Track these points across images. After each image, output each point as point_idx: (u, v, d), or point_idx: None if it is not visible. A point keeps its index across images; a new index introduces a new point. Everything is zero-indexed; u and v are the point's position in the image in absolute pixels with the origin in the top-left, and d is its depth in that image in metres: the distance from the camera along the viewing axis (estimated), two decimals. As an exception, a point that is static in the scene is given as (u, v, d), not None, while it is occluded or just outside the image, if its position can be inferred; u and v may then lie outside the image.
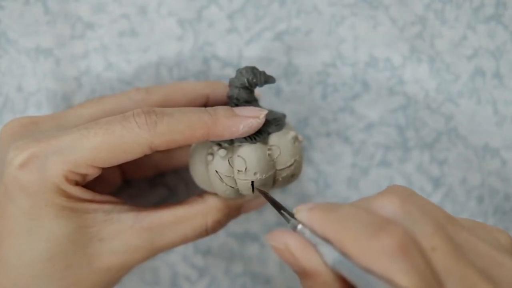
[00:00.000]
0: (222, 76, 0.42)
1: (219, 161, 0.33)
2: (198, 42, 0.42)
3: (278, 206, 0.32)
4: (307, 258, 0.28)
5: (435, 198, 0.43)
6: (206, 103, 0.38)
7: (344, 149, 0.42)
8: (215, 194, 0.35)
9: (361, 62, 0.42)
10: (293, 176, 0.35)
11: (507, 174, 0.42)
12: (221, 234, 0.43)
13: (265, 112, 0.33)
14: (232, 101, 0.35)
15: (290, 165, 0.34)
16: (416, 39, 0.42)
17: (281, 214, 0.31)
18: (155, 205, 0.42)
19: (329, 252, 0.27)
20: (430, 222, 0.26)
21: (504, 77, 0.42)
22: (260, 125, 0.33)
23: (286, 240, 0.28)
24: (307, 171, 0.43)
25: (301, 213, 0.29)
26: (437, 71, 0.42)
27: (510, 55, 0.42)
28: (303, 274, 0.28)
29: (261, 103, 0.42)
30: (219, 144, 0.34)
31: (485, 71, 0.42)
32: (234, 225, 0.43)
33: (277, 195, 0.43)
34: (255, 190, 0.33)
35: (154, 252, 0.34)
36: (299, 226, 0.29)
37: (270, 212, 0.43)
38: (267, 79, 0.35)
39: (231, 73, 0.42)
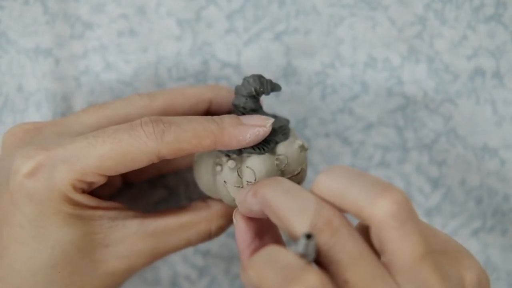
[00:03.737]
0: (221, 77, 0.42)
1: (228, 172, 0.33)
2: (197, 42, 0.42)
3: None
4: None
5: (434, 199, 0.43)
6: (209, 108, 0.38)
7: (343, 150, 0.43)
8: (219, 200, 0.35)
9: (359, 62, 0.42)
10: (299, 183, 0.35)
11: (506, 174, 0.42)
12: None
13: (272, 120, 0.33)
14: (238, 110, 0.35)
15: (297, 174, 0.34)
16: (415, 39, 0.42)
17: None
18: (157, 207, 0.43)
19: None
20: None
21: (504, 77, 0.42)
22: (267, 134, 0.33)
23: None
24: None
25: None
26: (436, 71, 0.42)
27: (510, 55, 0.42)
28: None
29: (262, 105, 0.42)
30: (228, 155, 0.34)
31: (485, 71, 0.42)
32: (234, 226, 0.43)
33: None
34: None
35: (157, 256, 0.35)
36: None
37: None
38: (274, 88, 0.35)
39: (230, 73, 0.42)
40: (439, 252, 0.28)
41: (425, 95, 0.42)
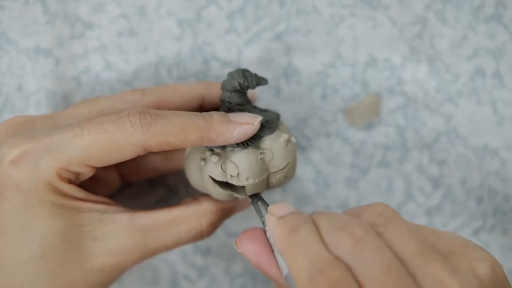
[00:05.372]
0: (222, 76, 0.42)
1: (211, 167, 0.33)
2: (197, 42, 0.42)
3: (265, 202, 0.34)
4: (264, 265, 0.30)
5: (435, 199, 0.43)
6: (202, 105, 0.38)
7: (344, 149, 0.43)
8: (210, 196, 0.35)
9: (360, 62, 0.42)
10: (287, 177, 0.35)
11: (507, 174, 0.42)
12: (220, 233, 0.43)
13: (260, 118, 0.33)
14: (224, 105, 0.35)
15: (283, 168, 0.34)
16: (415, 39, 0.42)
17: (256, 208, 0.33)
18: (155, 205, 0.42)
19: (283, 264, 0.29)
20: (378, 264, 0.26)
21: (504, 77, 0.42)
22: (255, 132, 0.33)
23: (243, 248, 0.30)
24: (306, 171, 0.43)
25: (270, 219, 0.30)
26: (437, 71, 0.42)
27: (510, 55, 0.42)
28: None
29: (260, 102, 0.42)
30: (212, 150, 0.34)
31: (485, 71, 0.42)
32: (234, 225, 0.43)
33: (277, 195, 0.43)
34: (248, 193, 0.34)
35: (147, 254, 0.34)
36: (267, 227, 0.30)
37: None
38: (259, 82, 0.35)
39: (230, 73, 0.42)
40: (448, 253, 0.27)
41: (426, 95, 0.42)
